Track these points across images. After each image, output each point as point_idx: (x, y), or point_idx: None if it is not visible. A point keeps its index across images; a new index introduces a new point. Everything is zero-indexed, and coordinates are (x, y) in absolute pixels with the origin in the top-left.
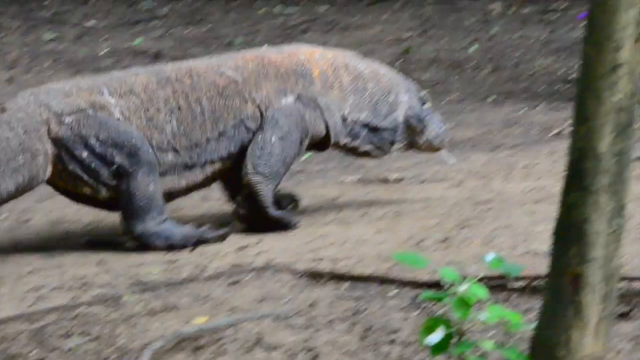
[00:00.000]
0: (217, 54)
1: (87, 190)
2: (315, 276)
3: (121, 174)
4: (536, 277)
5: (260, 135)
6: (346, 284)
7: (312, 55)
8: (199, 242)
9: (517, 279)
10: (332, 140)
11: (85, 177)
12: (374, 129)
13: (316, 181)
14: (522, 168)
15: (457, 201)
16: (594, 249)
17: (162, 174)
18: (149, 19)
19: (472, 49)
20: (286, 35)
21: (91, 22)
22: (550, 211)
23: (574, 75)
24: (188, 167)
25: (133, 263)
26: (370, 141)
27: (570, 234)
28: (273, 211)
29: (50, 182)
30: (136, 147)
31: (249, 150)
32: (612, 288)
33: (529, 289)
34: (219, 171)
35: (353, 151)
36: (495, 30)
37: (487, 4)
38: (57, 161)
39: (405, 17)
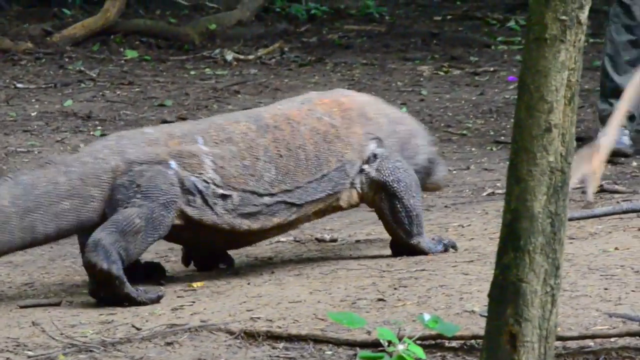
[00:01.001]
0: (150, 114)
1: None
2: (251, 336)
3: (127, 206)
4: (472, 337)
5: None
6: (282, 344)
7: (361, 99)
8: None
9: (454, 338)
10: None
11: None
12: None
13: None
14: (455, 228)
15: (392, 261)
16: (530, 308)
17: (256, 213)
18: (79, 81)
19: (401, 111)
20: (217, 97)
21: (21, 84)
22: (483, 271)
23: (505, 137)
24: (285, 207)
25: (68, 324)
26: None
27: (506, 293)
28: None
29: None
30: (158, 201)
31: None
32: (549, 347)
33: (465, 348)
34: (314, 212)
35: None
36: (425, 92)
37: (417, 66)
38: (107, 205)
39: (335, 79)
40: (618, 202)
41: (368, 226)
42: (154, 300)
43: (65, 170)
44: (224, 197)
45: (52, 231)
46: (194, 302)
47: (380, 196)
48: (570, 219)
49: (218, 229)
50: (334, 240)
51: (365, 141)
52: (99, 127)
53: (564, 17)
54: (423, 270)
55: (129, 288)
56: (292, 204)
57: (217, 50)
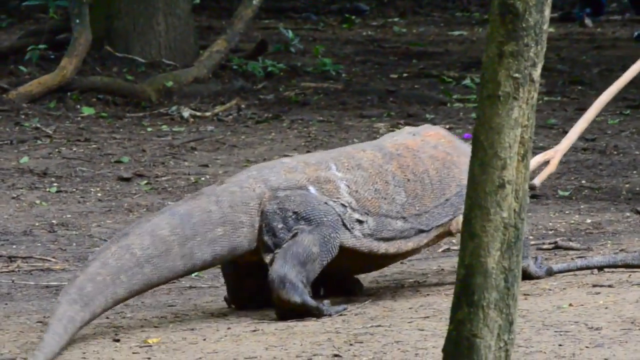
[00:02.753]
0: (106, 170)
1: (266, 259)
2: None
3: (297, 235)
4: None
5: None
6: None
7: (441, 133)
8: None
9: None
10: None
11: (272, 246)
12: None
13: (206, 297)
14: (411, 284)
15: (347, 317)
16: None
17: (391, 238)
18: (35, 138)
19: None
20: (173, 154)
21: None
22: (439, 327)
23: None
24: (416, 232)
25: None
26: None
27: (460, 348)
28: None
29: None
30: (324, 224)
31: None
32: None
33: None
34: (440, 234)
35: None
36: None
37: (374, 123)
38: (258, 233)
39: (292, 136)
40: (572, 259)
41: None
42: (339, 312)
43: (216, 199)
44: (359, 221)
45: (208, 257)
46: (149, 358)
47: None
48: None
49: (357, 253)
50: None
51: None
52: (55, 184)
53: (516, 75)
54: (379, 326)
55: (322, 308)
56: (421, 230)
57: (174, 107)
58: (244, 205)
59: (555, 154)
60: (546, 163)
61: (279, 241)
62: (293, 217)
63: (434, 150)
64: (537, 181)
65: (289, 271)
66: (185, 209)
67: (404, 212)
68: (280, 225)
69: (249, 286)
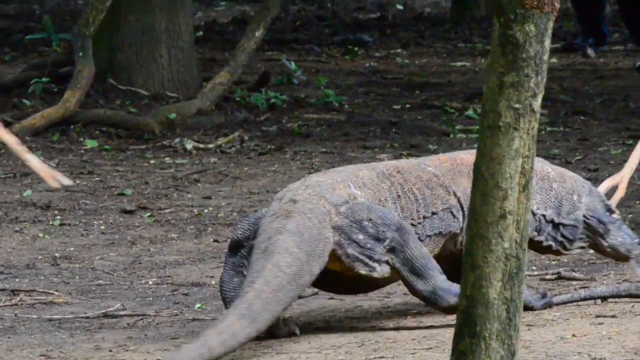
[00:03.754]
0: (109, 203)
1: (363, 270)
2: None
3: (394, 248)
4: None
5: None
6: None
7: None
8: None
9: None
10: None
11: (362, 257)
12: (556, 225)
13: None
14: (413, 316)
15: (350, 348)
16: None
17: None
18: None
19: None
20: (176, 185)
21: None
22: (442, 358)
23: None
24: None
25: None
26: (553, 237)
27: None
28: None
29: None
30: (400, 221)
31: None
32: None
33: None
34: (433, 249)
35: (537, 245)
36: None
37: (377, 154)
38: (337, 247)
39: (295, 167)
40: (576, 289)
41: (328, 313)
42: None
43: (308, 216)
44: None
45: (316, 271)
46: None
47: None
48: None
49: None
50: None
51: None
52: (58, 217)
53: (517, 105)
54: (382, 357)
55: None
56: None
57: (177, 140)
58: (323, 222)
59: (622, 178)
60: (615, 188)
61: (370, 252)
62: (370, 225)
63: (420, 172)
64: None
65: (432, 283)
66: (294, 227)
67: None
68: (361, 237)
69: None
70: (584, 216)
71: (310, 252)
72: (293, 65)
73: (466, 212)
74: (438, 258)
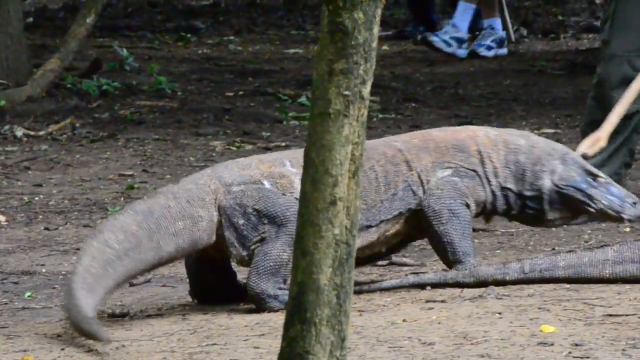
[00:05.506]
0: None
1: (233, 258)
2: None
3: (264, 239)
4: None
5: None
6: None
7: (475, 133)
8: None
9: None
10: (488, 206)
11: (236, 243)
12: (521, 197)
13: (40, 317)
14: (247, 303)
15: (183, 336)
16: None
17: None
18: None
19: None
20: (6, 173)
21: None
22: (274, 344)
23: None
24: (363, 227)
25: None
26: (521, 208)
27: None
28: None
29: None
30: (287, 220)
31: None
32: None
33: None
34: (392, 234)
35: (516, 217)
36: None
37: (210, 142)
38: (219, 226)
39: (127, 155)
40: (406, 275)
41: (160, 301)
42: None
43: (174, 196)
44: None
45: (172, 249)
46: None
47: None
48: (358, 292)
49: None
50: (125, 315)
51: (433, 169)
52: None
53: (347, 93)
54: (214, 344)
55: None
56: (369, 225)
57: (7, 127)
58: (200, 201)
59: (601, 135)
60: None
61: (244, 240)
62: (255, 214)
63: (386, 148)
64: (589, 151)
65: (265, 286)
66: (145, 207)
67: None
68: (242, 222)
69: (210, 281)
70: (557, 186)
71: (156, 230)
72: (125, 52)
73: (426, 188)
74: (399, 236)
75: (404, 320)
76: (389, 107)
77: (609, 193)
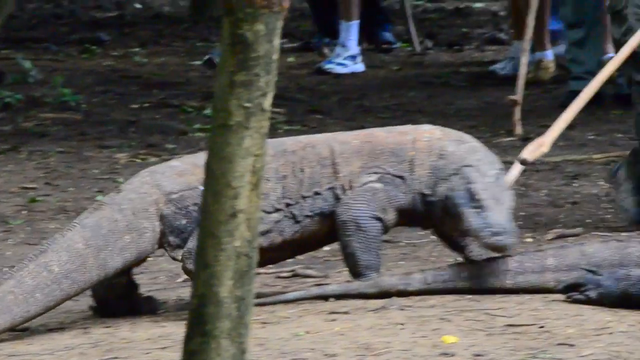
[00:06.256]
0: None
1: (178, 255)
2: None
3: None
4: None
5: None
6: None
7: (421, 136)
8: None
9: None
10: (412, 214)
11: (181, 242)
12: (430, 203)
13: None
14: (148, 316)
15: (83, 350)
16: None
17: (267, 231)
18: None
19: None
20: None
21: None
22: (176, 358)
23: None
24: (287, 222)
25: None
26: (437, 214)
27: None
28: None
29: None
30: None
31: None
32: None
33: None
34: (314, 231)
35: (433, 226)
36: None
37: (114, 154)
38: (162, 236)
39: (30, 168)
40: (310, 287)
41: (62, 314)
42: None
43: (119, 208)
44: None
45: (119, 265)
46: None
47: None
48: (262, 304)
49: None
50: (25, 329)
51: (360, 175)
52: None
53: (247, 104)
54: (116, 358)
55: None
56: (296, 221)
57: None
58: (144, 212)
59: (545, 139)
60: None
61: (186, 235)
62: (195, 210)
63: (324, 149)
64: (529, 157)
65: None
66: (94, 221)
67: (278, 204)
68: (184, 221)
69: (113, 293)
70: (446, 196)
71: (104, 247)
72: (28, 64)
73: (346, 194)
74: (319, 236)
75: (307, 332)
76: (294, 119)
77: (480, 217)
